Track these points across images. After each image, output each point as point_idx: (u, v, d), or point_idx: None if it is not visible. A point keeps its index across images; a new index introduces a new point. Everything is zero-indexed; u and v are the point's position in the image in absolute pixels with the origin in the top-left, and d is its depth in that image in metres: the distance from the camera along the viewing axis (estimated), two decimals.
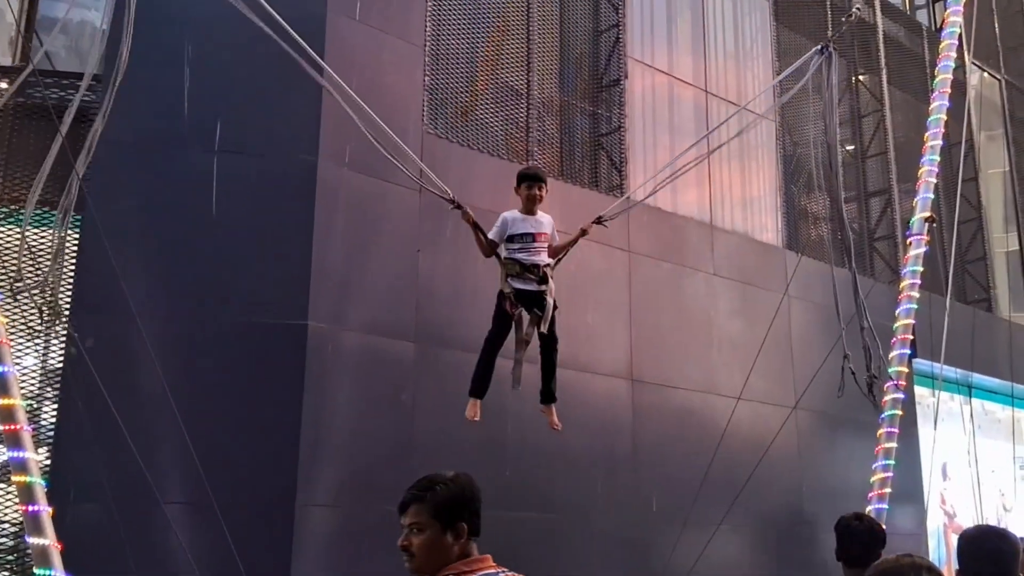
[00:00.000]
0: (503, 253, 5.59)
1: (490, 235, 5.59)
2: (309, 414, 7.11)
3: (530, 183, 5.62)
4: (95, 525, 6.29)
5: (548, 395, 5.74)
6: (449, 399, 7.61)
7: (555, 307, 5.60)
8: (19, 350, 5.93)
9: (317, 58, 5.77)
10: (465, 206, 5.61)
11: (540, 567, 7.67)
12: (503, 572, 2.69)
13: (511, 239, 5.56)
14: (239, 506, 6.61)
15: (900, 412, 6.70)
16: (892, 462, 6.56)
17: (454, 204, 5.64)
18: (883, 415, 6.73)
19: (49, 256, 6.05)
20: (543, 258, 5.56)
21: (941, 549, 12.70)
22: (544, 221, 5.66)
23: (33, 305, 5.97)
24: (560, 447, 8.04)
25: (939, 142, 7.43)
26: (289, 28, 5.49)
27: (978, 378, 13.57)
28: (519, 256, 5.51)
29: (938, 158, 7.48)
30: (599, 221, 6.03)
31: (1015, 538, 3.61)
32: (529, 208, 5.62)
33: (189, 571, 6.14)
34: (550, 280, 5.53)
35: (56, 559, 4.43)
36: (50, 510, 4.50)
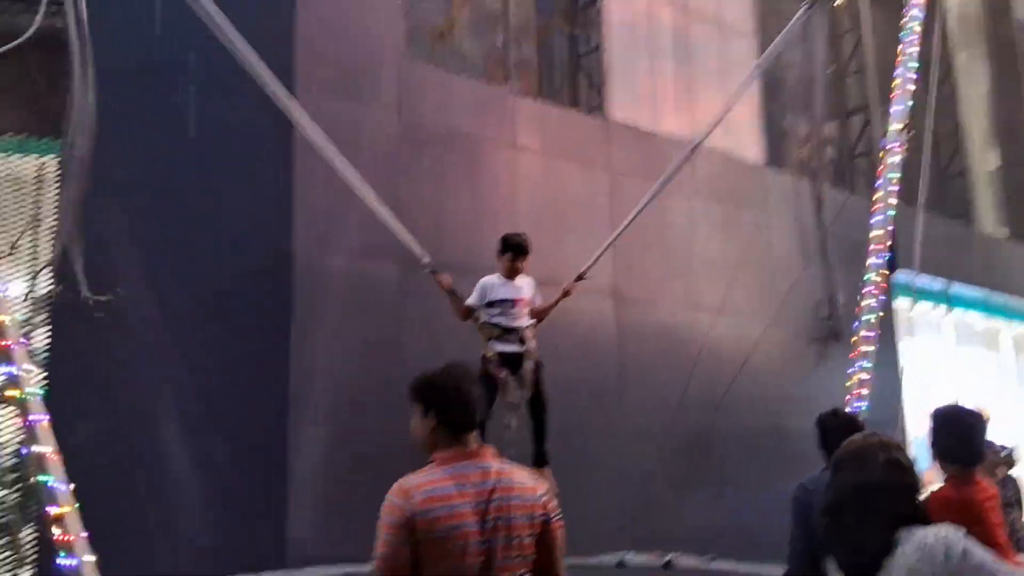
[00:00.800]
0: (482, 318, 5.61)
1: (470, 300, 5.61)
2: (298, 338, 7.19)
3: (514, 255, 5.64)
4: (92, 447, 6.39)
5: (540, 458, 5.66)
6: (436, 320, 7.71)
7: (540, 367, 5.63)
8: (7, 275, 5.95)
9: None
10: (440, 272, 5.60)
11: None
12: (493, 464, 2.76)
13: (491, 304, 5.58)
14: (231, 429, 6.72)
15: (876, 317, 6.82)
16: (868, 364, 6.69)
17: (429, 269, 5.63)
18: (858, 321, 6.87)
19: (33, 184, 6.04)
20: (523, 322, 5.61)
21: (923, 459, 12.96)
22: (523, 286, 5.69)
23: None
24: (547, 365, 8.15)
25: (914, 49, 7.45)
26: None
27: (958, 289, 13.74)
28: (498, 320, 5.55)
29: (915, 65, 7.50)
30: (580, 278, 6.06)
31: (978, 411, 3.76)
32: (509, 275, 5.65)
33: (186, 490, 6.28)
34: (529, 341, 5.56)
35: (56, 468, 4.52)
36: (46, 420, 4.57)
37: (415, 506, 2.62)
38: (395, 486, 2.68)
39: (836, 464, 2.48)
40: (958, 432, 3.71)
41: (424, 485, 2.67)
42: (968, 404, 4.00)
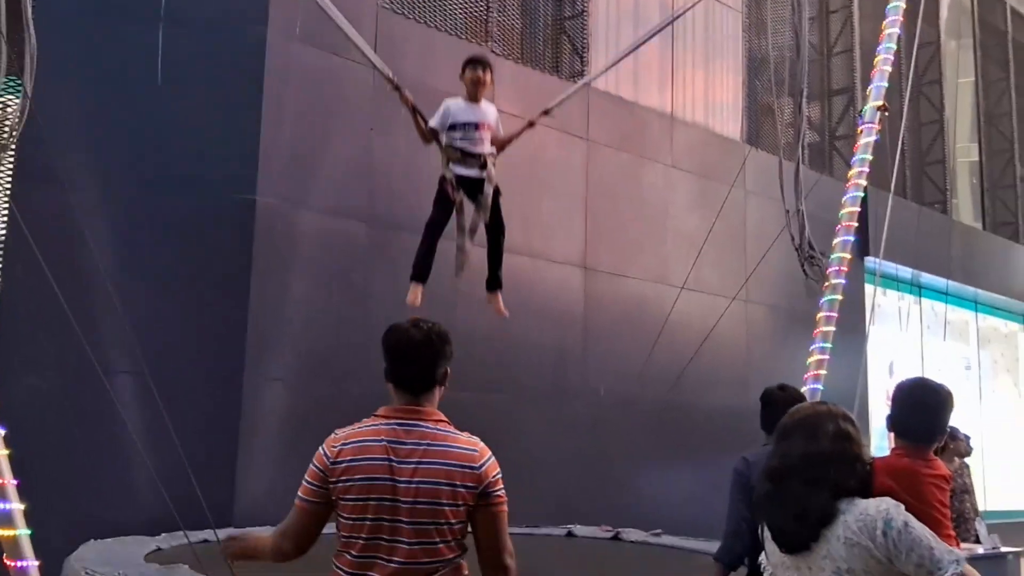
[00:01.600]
0: (444, 140, 5.48)
1: (432, 122, 5.43)
2: (257, 290, 7.07)
3: (473, 65, 5.46)
4: (40, 396, 6.29)
5: (493, 282, 5.69)
6: (401, 280, 7.58)
7: (498, 193, 5.52)
8: None
9: None
10: (404, 88, 5.42)
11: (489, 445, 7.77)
12: (428, 426, 2.70)
13: (453, 127, 5.42)
14: (185, 381, 6.60)
15: (840, 297, 6.75)
16: (829, 344, 6.64)
17: (393, 85, 5.45)
18: (822, 300, 6.81)
19: None
20: (485, 147, 5.46)
21: (884, 445, 13.04)
22: (488, 111, 5.52)
23: None
24: (512, 332, 8.07)
25: (896, 31, 7.33)
26: None
27: (928, 279, 13.77)
28: (460, 144, 5.42)
29: (894, 46, 7.40)
30: (546, 112, 5.93)
31: (944, 390, 3.59)
32: (473, 94, 5.45)
33: (132, 444, 6.15)
34: (490, 167, 5.44)
35: None
36: None
37: (335, 455, 2.64)
38: (331, 434, 2.72)
39: (783, 431, 2.44)
40: (920, 407, 3.52)
41: (352, 436, 2.67)
42: (935, 381, 3.77)
